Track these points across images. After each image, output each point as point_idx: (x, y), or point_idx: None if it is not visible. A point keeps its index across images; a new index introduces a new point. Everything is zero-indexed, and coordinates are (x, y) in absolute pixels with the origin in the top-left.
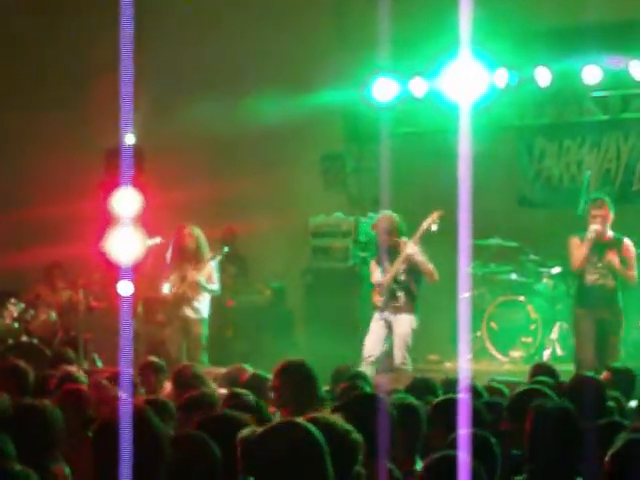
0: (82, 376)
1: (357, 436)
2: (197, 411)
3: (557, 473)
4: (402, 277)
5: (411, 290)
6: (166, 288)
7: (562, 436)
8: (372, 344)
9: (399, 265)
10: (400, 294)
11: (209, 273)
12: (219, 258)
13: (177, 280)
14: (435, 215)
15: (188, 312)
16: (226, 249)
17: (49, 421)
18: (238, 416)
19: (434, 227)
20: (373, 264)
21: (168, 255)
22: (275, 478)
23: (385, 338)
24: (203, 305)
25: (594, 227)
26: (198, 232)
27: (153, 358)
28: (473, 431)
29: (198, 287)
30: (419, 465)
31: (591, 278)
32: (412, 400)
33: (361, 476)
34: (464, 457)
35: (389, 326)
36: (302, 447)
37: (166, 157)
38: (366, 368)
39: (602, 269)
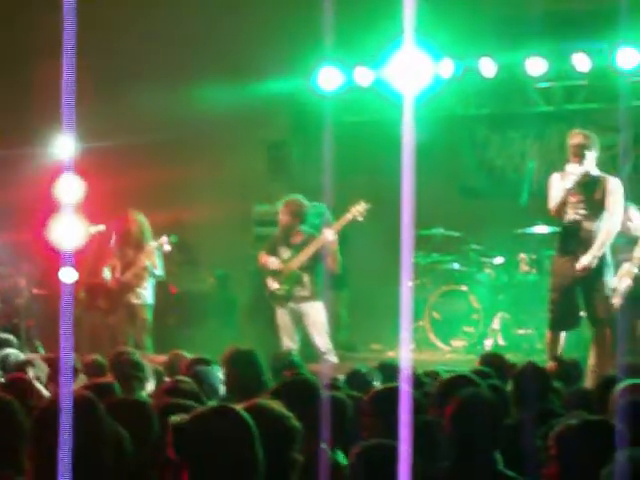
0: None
1: (295, 422)
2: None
3: (475, 458)
4: (309, 264)
5: (316, 278)
6: (108, 274)
7: (478, 422)
8: (289, 339)
9: (309, 252)
10: (307, 281)
11: (153, 259)
12: (168, 248)
13: (121, 266)
14: (361, 206)
15: (133, 298)
16: (175, 238)
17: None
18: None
19: (360, 218)
20: (263, 253)
21: (112, 241)
22: (205, 463)
23: (296, 329)
24: (147, 291)
25: (572, 167)
26: (141, 218)
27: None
28: (412, 420)
29: (144, 273)
30: (339, 456)
31: (572, 221)
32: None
33: (297, 462)
34: (401, 446)
35: (297, 316)
36: (232, 433)
37: (110, 144)
38: None
39: (584, 210)
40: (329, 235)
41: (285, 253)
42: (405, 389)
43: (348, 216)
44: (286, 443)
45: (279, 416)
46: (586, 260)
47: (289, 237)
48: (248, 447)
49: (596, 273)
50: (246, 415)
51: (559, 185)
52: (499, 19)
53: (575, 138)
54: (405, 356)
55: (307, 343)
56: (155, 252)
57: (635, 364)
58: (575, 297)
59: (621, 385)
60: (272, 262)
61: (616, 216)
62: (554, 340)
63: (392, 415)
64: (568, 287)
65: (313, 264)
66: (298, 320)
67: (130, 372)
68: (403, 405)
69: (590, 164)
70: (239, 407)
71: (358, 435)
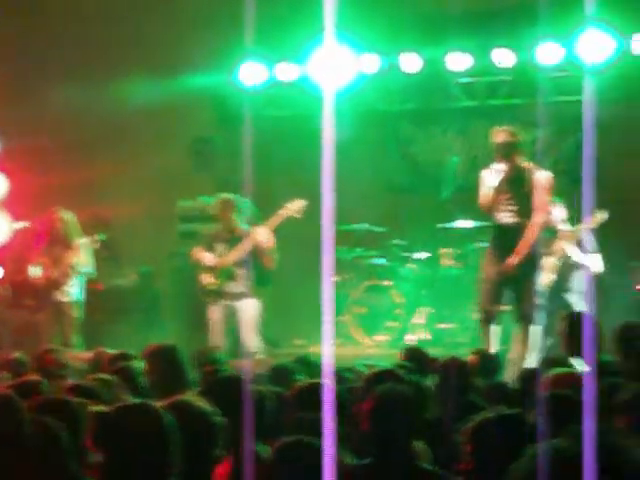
0: None
1: (218, 419)
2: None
3: (393, 453)
4: (243, 260)
5: (251, 274)
6: (35, 272)
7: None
8: (218, 335)
9: (244, 248)
10: (241, 278)
11: (82, 256)
12: (95, 246)
13: (48, 264)
14: (298, 203)
15: (60, 296)
16: (103, 237)
17: None
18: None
19: (297, 215)
20: (198, 249)
21: (38, 239)
22: (120, 455)
23: (227, 326)
24: (75, 289)
25: (500, 164)
26: (69, 217)
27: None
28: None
29: (72, 270)
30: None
31: (502, 218)
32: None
33: (220, 458)
34: (325, 442)
35: (230, 313)
36: (149, 428)
37: (34, 141)
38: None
39: (513, 206)
40: (264, 232)
41: (221, 249)
42: (328, 385)
43: (283, 213)
44: (209, 439)
45: (202, 413)
46: (512, 259)
47: (225, 234)
48: (163, 444)
49: (525, 269)
50: (166, 414)
51: (489, 181)
52: (422, 15)
53: (500, 136)
54: (328, 351)
55: (236, 340)
56: (84, 249)
57: (555, 358)
58: (502, 292)
59: (542, 378)
60: (207, 258)
61: (542, 210)
62: (485, 333)
63: (315, 410)
64: (496, 281)
65: (248, 261)
66: (230, 316)
67: (53, 370)
68: (327, 401)
69: (517, 160)
70: (161, 404)
71: (281, 430)
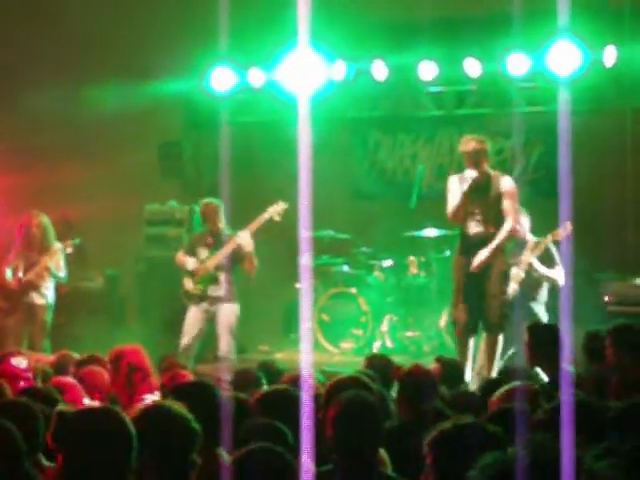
0: None
1: (195, 424)
2: None
3: (357, 461)
4: (225, 265)
5: (232, 279)
6: (9, 274)
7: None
8: (191, 337)
9: (225, 253)
10: (223, 282)
11: (57, 260)
12: (69, 250)
13: (23, 267)
14: (279, 206)
15: (35, 298)
16: (77, 241)
17: None
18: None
19: (277, 218)
20: (181, 253)
21: (14, 241)
22: (79, 456)
23: (203, 329)
24: (49, 291)
25: (469, 172)
26: (44, 220)
27: None
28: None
29: (47, 274)
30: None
31: (470, 227)
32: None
33: (195, 464)
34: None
35: (210, 317)
36: (110, 431)
37: (5, 143)
38: (186, 361)
39: (480, 215)
40: (244, 236)
41: (203, 253)
42: (294, 391)
43: (265, 216)
44: (186, 444)
45: (180, 417)
46: (477, 260)
47: (209, 238)
48: (123, 449)
49: (494, 278)
50: (127, 419)
51: (456, 190)
52: (391, 22)
53: (468, 145)
54: (304, 358)
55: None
56: (59, 253)
57: (517, 368)
58: (474, 301)
59: (500, 390)
60: (189, 262)
61: (510, 218)
62: (464, 345)
63: (279, 417)
64: (468, 290)
65: (230, 265)
66: (210, 320)
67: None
68: (292, 407)
69: (485, 167)
70: (139, 407)
71: (243, 437)
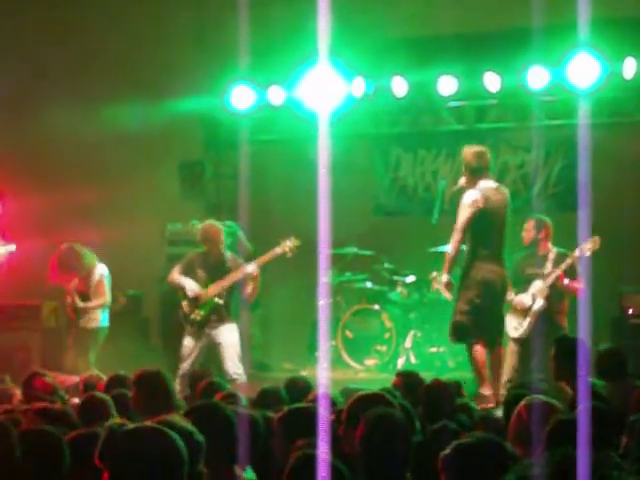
0: None
1: (199, 437)
2: None
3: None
4: (227, 290)
5: (230, 303)
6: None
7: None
8: (190, 362)
9: (230, 281)
10: (222, 307)
11: (97, 286)
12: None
13: (74, 293)
14: (292, 242)
15: (87, 322)
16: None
17: None
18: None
19: (289, 254)
20: (177, 271)
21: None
22: (127, 478)
23: (202, 354)
24: (103, 315)
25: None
26: (81, 249)
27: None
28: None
29: (101, 300)
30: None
31: None
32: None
33: (202, 475)
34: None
35: (210, 340)
36: (162, 454)
37: (24, 163)
38: (185, 386)
39: (452, 229)
40: (252, 268)
41: (201, 275)
42: (321, 409)
43: (277, 250)
44: (192, 456)
45: (184, 431)
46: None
47: (209, 260)
48: (171, 471)
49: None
50: (178, 440)
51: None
52: (410, 38)
53: (466, 155)
54: (321, 375)
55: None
56: (101, 279)
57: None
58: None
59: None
60: (188, 285)
61: (456, 232)
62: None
63: (300, 434)
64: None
65: (230, 290)
66: (209, 343)
67: (41, 395)
68: (312, 424)
69: (461, 180)
70: (148, 423)
71: (270, 454)
